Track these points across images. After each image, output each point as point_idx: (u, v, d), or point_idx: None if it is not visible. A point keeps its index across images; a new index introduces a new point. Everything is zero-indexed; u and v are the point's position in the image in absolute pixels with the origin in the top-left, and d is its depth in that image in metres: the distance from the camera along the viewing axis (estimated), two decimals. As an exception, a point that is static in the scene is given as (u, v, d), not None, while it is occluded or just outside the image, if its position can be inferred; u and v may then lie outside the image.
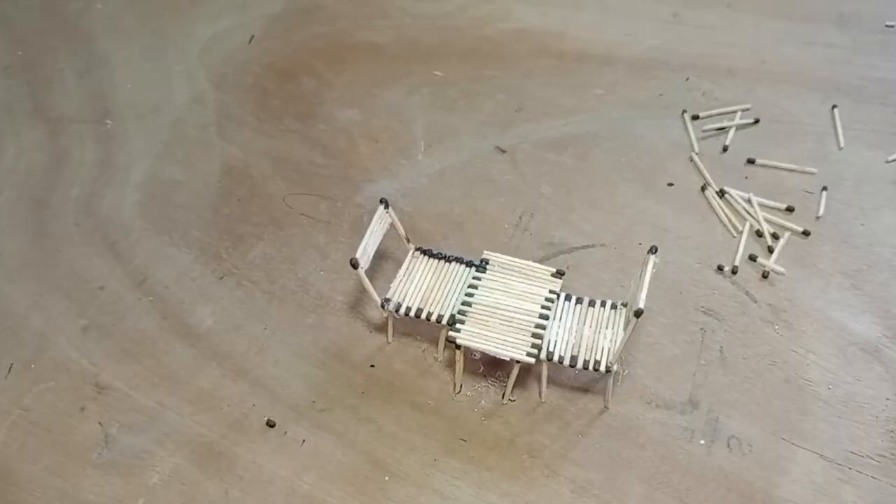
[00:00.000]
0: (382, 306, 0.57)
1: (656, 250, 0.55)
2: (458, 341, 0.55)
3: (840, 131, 0.75)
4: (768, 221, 0.68)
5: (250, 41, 0.85)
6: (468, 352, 0.55)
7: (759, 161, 0.72)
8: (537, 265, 0.59)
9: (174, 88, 0.80)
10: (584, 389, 0.58)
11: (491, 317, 0.56)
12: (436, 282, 0.59)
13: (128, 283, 0.65)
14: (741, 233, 0.67)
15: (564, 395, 0.58)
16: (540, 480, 0.54)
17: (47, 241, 0.68)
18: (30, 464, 0.55)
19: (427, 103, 0.79)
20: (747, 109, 0.77)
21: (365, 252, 0.56)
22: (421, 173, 0.73)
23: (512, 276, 0.58)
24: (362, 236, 0.57)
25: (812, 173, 0.72)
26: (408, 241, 0.61)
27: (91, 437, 0.56)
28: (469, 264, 0.60)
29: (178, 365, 0.60)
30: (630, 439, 0.56)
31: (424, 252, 0.61)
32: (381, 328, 0.62)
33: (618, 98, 0.78)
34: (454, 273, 0.60)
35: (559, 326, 0.57)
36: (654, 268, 0.55)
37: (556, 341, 0.56)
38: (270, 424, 0.57)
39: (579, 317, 0.57)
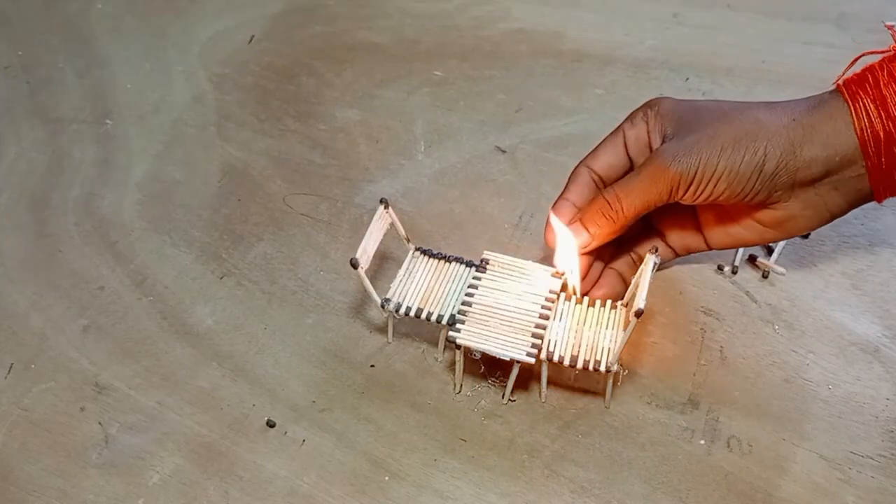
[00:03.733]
0: (382, 306, 0.57)
1: (656, 250, 0.55)
2: (458, 341, 0.55)
3: (840, 131, 0.75)
4: (768, 221, 0.68)
5: (250, 41, 0.85)
6: (468, 352, 0.55)
7: (759, 161, 0.72)
8: (537, 265, 0.59)
9: (174, 88, 0.80)
10: (584, 389, 0.58)
11: (491, 317, 0.56)
12: (436, 282, 0.59)
13: (128, 283, 0.65)
14: (741, 233, 0.67)
15: (564, 395, 0.58)
16: (540, 480, 0.54)
17: (47, 241, 0.68)
18: (30, 464, 0.55)
19: (427, 103, 0.79)
20: (747, 109, 0.77)
21: (365, 252, 0.56)
22: (421, 173, 0.73)
23: (512, 276, 0.58)
24: (362, 236, 0.57)
25: (812, 173, 0.72)
26: (408, 241, 0.61)
27: (91, 437, 0.56)
28: (469, 264, 0.60)
29: (178, 365, 0.60)
30: (630, 439, 0.56)
31: (424, 252, 0.61)
32: (381, 328, 0.62)
33: (618, 98, 0.78)
34: (454, 273, 0.60)
35: (559, 326, 0.57)
36: (654, 268, 0.55)
37: (556, 341, 0.56)
38: (270, 424, 0.57)
39: (579, 317, 0.57)
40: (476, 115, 0.78)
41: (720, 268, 0.65)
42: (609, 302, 0.58)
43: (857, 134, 0.53)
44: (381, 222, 0.58)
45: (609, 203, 0.56)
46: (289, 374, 0.59)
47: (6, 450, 0.56)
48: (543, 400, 0.58)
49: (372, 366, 0.60)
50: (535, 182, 0.71)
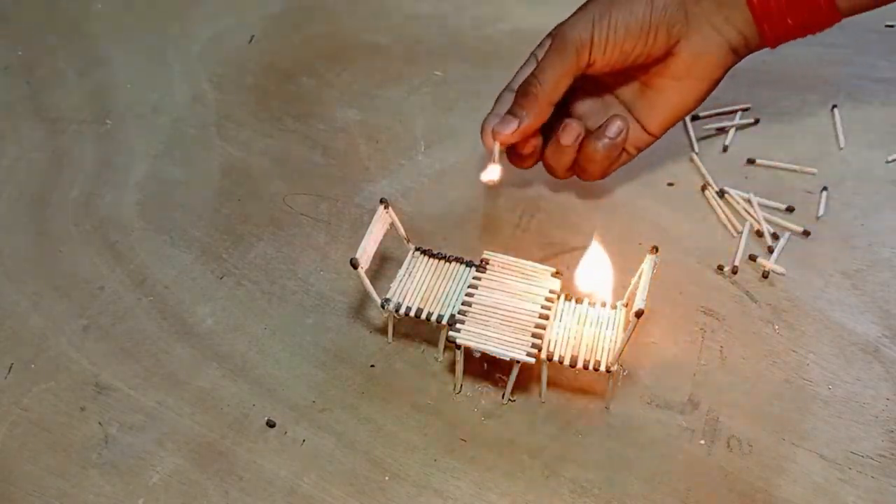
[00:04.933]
0: (382, 306, 0.57)
1: (656, 250, 0.55)
2: (458, 341, 0.55)
3: (840, 131, 0.75)
4: (768, 221, 0.68)
5: (250, 41, 0.85)
6: (469, 352, 0.55)
7: (759, 161, 0.72)
8: (537, 265, 0.59)
9: (174, 88, 0.80)
10: (584, 389, 0.58)
11: (491, 317, 0.56)
12: (436, 282, 0.59)
13: (128, 283, 0.65)
14: (741, 233, 0.67)
15: (564, 395, 0.58)
16: (540, 480, 0.54)
17: (47, 241, 0.68)
18: (30, 464, 0.55)
19: (427, 103, 0.79)
20: (747, 109, 0.77)
21: (365, 252, 0.56)
22: (421, 173, 0.73)
23: (512, 276, 0.58)
24: (362, 236, 0.57)
25: (812, 173, 0.72)
26: (408, 241, 0.61)
27: (91, 437, 0.56)
28: (469, 264, 0.60)
29: (178, 365, 0.60)
30: (630, 439, 0.56)
31: (424, 252, 0.61)
32: (381, 328, 0.62)
33: (618, 98, 0.78)
34: (454, 273, 0.60)
35: (559, 326, 0.57)
36: (654, 268, 0.55)
37: (556, 341, 0.56)
38: (270, 424, 0.57)
39: (579, 317, 0.57)
40: (476, 115, 0.77)
41: (720, 268, 0.65)
42: (609, 302, 0.58)
43: None
44: (381, 222, 0.58)
45: (528, 80, 0.60)
46: (289, 374, 0.59)
47: (6, 450, 0.56)
48: (543, 400, 0.58)
49: (372, 366, 0.60)
50: (535, 182, 0.71)
